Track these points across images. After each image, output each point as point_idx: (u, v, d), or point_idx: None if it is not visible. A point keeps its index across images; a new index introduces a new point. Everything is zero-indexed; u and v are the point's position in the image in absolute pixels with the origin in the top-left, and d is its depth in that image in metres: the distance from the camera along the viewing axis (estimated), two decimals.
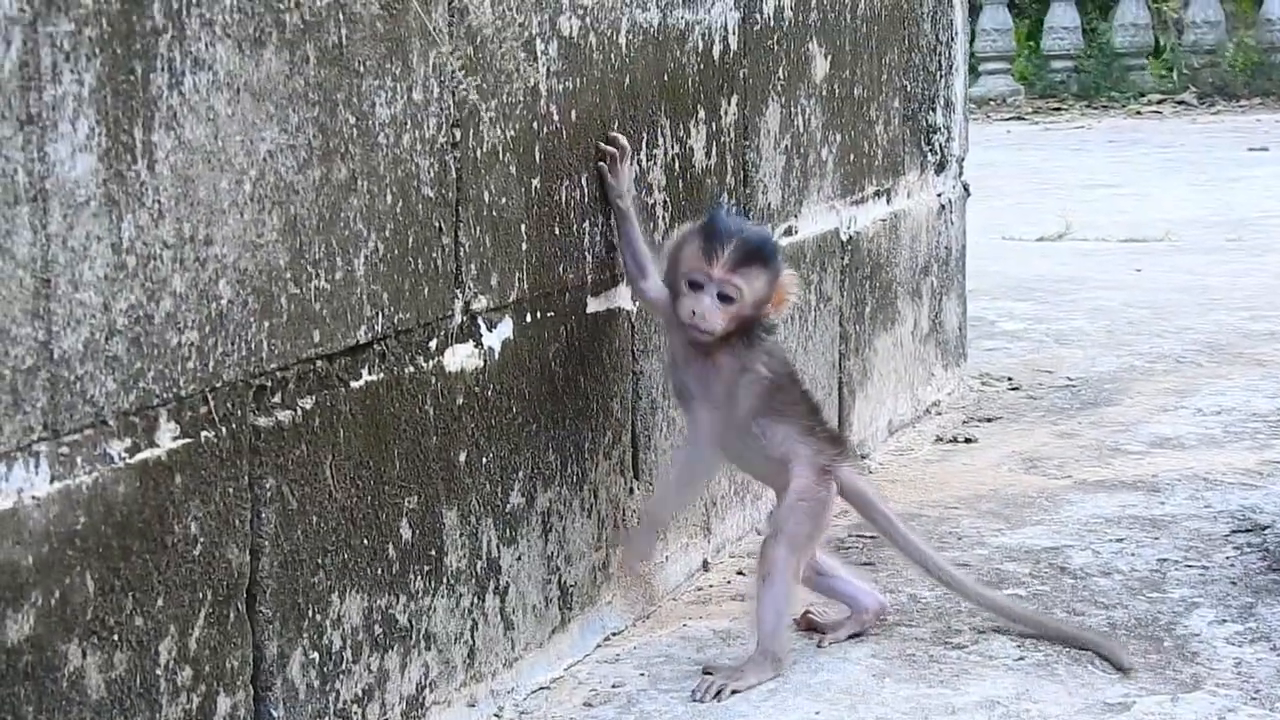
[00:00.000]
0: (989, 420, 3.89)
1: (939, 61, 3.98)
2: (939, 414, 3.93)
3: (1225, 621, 2.60)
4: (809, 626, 2.63)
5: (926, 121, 3.93)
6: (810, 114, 3.29)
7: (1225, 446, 3.59)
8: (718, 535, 2.98)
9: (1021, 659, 2.49)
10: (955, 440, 3.72)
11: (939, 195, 4.03)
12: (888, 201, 3.72)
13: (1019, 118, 14.41)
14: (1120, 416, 3.89)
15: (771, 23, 3.12)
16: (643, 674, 2.48)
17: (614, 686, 2.44)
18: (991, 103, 15.50)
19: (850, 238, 3.49)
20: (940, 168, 4.04)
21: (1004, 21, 15.94)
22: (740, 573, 2.91)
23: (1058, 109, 14.99)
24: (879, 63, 3.62)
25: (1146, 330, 4.87)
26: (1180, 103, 14.72)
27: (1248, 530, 3.01)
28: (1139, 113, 14.34)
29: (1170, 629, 2.58)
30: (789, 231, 3.21)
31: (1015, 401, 4.08)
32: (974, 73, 16.14)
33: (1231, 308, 5.16)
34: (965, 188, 4.22)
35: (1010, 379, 4.29)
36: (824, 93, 3.35)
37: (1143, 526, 3.07)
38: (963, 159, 4.19)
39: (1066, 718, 2.28)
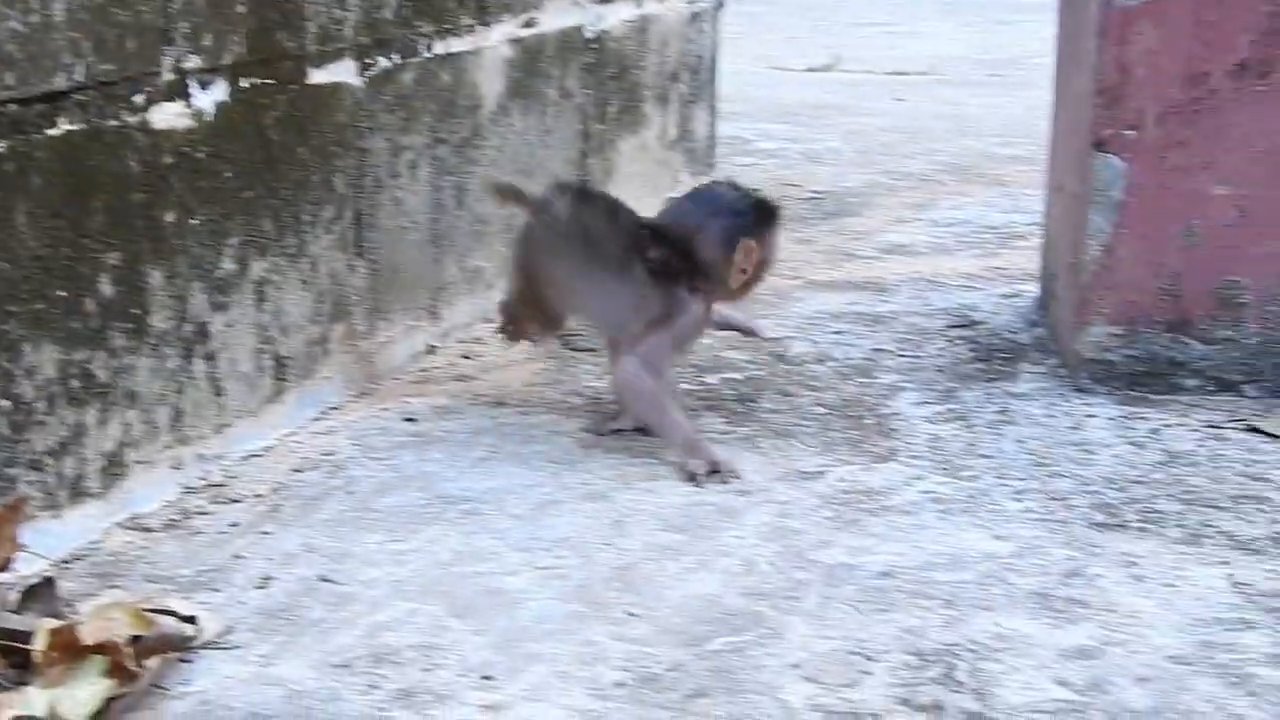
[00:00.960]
0: None
1: None
2: None
3: (927, 403, 2.67)
4: None
5: None
6: None
7: (954, 254, 3.67)
8: (446, 321, 2.98)
9: (728, 433, 2.54)
10: None
11: (691, 3, 4.03)
12: (637, 4, 3.71)
13: None
14: (859, 226, 3.95)
15: None
16: (355, 444, 2.49)
17: (325, 455, 2.45)
18: None
19: (595, 36, 3.48)
20: None
21: None
22: (465, 357, 2.92)
23: None
24: None
25: (897, 152, 4.94)
26: None
27: (962, 325, 3.09)
28: None
29: (874, 409, 2.65)
30: (529, 24, 3.19)
31: None
32: None
33: (982, 134, 5.26)
34: None
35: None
36: None
37: (864, 321, 3.14)
38: None
39: (763, 483, 2.34)
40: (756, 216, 2.51)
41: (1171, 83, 2.58)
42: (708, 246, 2.46)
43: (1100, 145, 2.62)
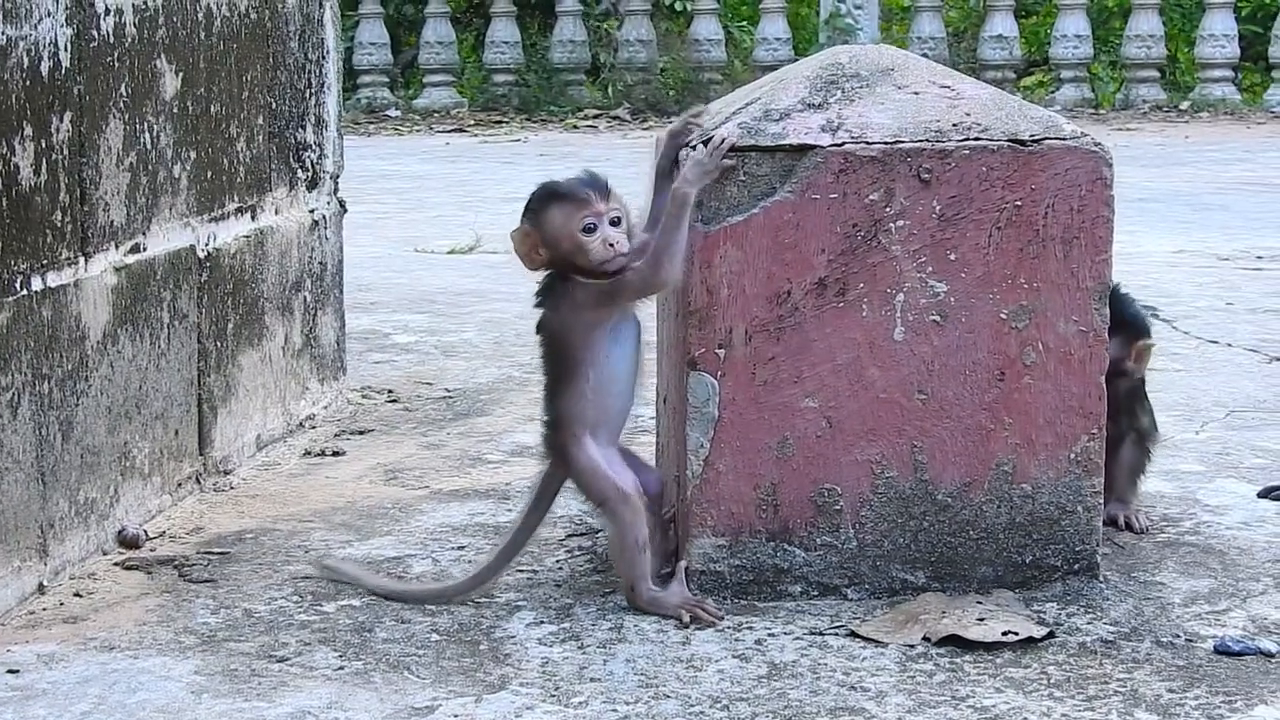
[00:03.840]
0: (362, 433, 3.95)
1: (309, 79, 4.01)
2: (313, 428, 3.96)
3: (542, 623, 2.72)
4: None
5: (296, 139, 3.96)
6: (160, 131, 3.27)
7: None
8: (57, 558, 2.93)
9: (341, 669, 2.54)
10: (324, 454, 3.75)
11: (311, 212, 4.06)
12: (253, 218, 3.73)
13: (461, 130, 14.64)
14: (488, 426, 4.01)
15: (111, 39, 3.09)
16: None
17: None
18: (436, 115, 15.71)
19: (209, 254, 3.49)
20: (312, 184, 4.07)
21: (447, 34, 16.17)
22: (78, 595, 2.87)
23: (499, 122, 15.31)
24: (239, 80, 3.63)
25: (532, 341, 4.99)
26: (615, 118, 15.24)
27: (581, 534, 3.15)
28: (576, 127, 14.78)
29: (490, 633, 2.68)
30: (136, 249, 3.18)
31: (391, 414, 4.15)
32: (419, 85, 16.34)
33: None
34: (341, 204, 4.26)
35: (391, 391, 4.36)
36: (175, 110, 3.33)
37: (486, 534, 3.18)
38: (337, 176, 4.23)
39: None
40: (527, 206, 2.81)
41: (756, 302, 2.70)
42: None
43: (693, 364, 2.72)
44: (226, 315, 3.58)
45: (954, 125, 2.74)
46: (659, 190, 2.80)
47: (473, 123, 15.18)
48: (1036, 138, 2.73)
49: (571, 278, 2.73)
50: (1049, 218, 2.72)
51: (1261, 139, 12.28)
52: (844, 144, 2.71)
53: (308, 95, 4.02)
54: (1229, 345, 4.94)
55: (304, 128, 4.01)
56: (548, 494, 2.83)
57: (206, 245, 3.48)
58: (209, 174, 3.50)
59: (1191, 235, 7.35)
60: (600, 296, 2.71)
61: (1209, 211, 8.18)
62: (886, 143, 2.71)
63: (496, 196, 9.10)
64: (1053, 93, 14.75)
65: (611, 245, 2.69)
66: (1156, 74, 14.87)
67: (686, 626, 2.66)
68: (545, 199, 2.77)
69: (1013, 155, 2.72)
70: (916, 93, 2.80)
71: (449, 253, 7.04)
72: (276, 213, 3.86)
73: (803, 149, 2.70)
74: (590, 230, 2.70)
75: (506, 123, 15.22)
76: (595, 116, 15.28)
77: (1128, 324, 3.03)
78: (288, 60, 3.90)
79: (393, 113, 15.84)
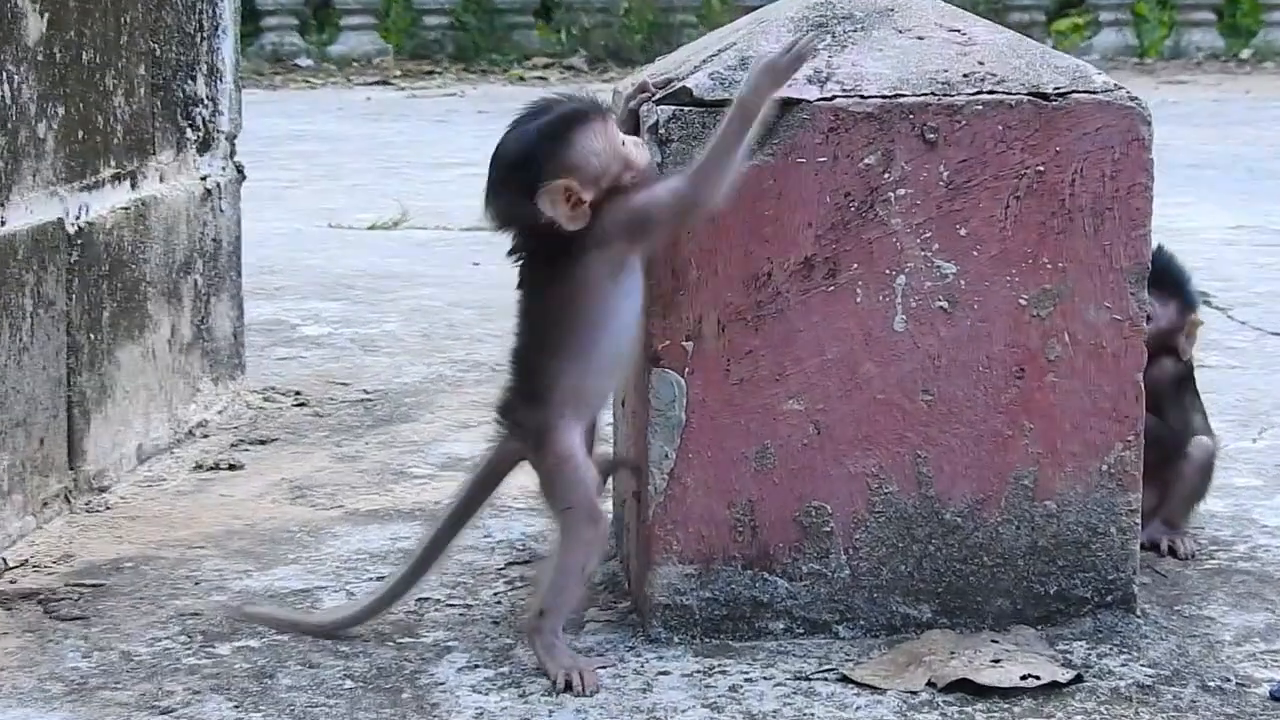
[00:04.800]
0: (264, 442, 3.96)
1: (199, 21, 4.03)
2: (206, 436, 3.98)
3: (477, 667, 2.73)
4: None
5: (184, 92, 3.97)
6: (21, 83, 3.27)
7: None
8: None
9: None
10: (218, 467, 3.77)
11: (204, 179, 4.08)
12: (133, 186, 3.74)
13: (385, 82, 14.69)
14: (415, 435, 4.03)
15: None
16: None
17: None
18: (355, 64, 15.75)
19: (80, 229, 3.50)
20: (204, 146, 4.08)
21: None
22: None
23: (431, 72, 15.35)
24: (116, 22, 3.64)
25: (467, 334, 5.05)
26: (569, 67, 15.30)
27: (524, 562, 3.17)
28: (522, 78, 14.82)
29: (414, 679, 2.69)
30: None
31: (299, 420, 4.17)
32: (335, 28, 16.36)
33: None
34: (239, 169, 4.28)
35: (298, 393, 4.38)
36: (40, 57, 3.34)
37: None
38: (234, 136, 4.25)
39: None
40: (539, 160, 2.59)
41: (731, 285, 2.72)
42: (525, 216, 2.61)
43: (656, 360, 2.74)
44: (101, 302, 3.59)
45: (964, 76, 2.76)
46: None
47: (399, 74, 15.22)
48: (1062, 91, 2.76)
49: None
50: (1076, 185, 2.75)
51: None
52: (834, 98, 2.73)
53: (198, 40, 4.03)
54: None
55: (194, 79, 4.02)
56: (496, 476, 2.83)
57: (77, 219, 3.49)
58: (80, 134, 3.50)
59: (1252, 208, 7.40)
60: (631, 226, 2.61)
61: (1273, 180, 8.24)
62: (885, 96, 2.74)
63: (427, 162, 9.14)
64: (1090, 38, 14.83)
65: (640, 145, 2.69)
66: (1213, 16, 14.96)
67: (558, 690, 2.62)
68: (567, 128, 2.60)
69: (1034, 112, 2.74)
70: (921, 37, 2.83)
71: (369, 228, 7.06)
72: (161, 180, 3.87)
73: (786, 104, 2.72)
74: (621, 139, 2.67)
75: (439, 74, 15.26)
76: (545, 66, 15.33)
77: (1182, 294, 3.03)
78: None
79: (304, 62, 15.86)
